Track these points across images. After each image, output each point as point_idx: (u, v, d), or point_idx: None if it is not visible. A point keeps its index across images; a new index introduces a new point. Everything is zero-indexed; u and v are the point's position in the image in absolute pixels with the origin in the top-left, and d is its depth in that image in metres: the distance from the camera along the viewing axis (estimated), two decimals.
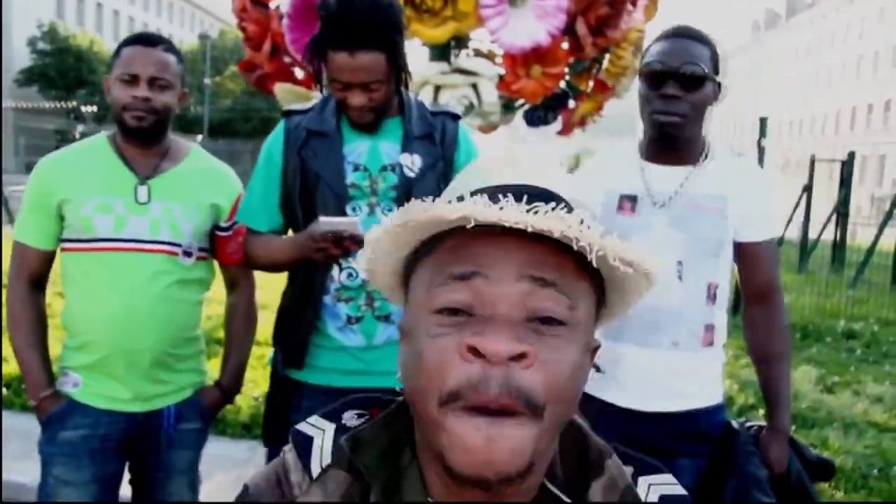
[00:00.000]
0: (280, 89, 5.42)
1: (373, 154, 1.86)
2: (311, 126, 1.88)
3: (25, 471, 2.87)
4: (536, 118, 6.21)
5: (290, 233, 1.95)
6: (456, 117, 1.97)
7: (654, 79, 1.77)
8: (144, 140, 1.93)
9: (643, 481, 0.80)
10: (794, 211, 11.91)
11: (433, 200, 0.69)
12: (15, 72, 37.02)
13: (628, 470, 0.79)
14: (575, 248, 0.67)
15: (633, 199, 1.85)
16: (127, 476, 2.08)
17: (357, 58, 1.70)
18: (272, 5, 5.07)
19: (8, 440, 3.19)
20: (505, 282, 0.67)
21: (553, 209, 0.66)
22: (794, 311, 7.18)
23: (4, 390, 3.72)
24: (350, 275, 1.84)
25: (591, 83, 5.86)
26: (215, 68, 35.35)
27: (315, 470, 0.77)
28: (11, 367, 4.02)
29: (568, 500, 0.74)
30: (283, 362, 1.96)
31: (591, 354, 0.74)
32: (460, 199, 0.68)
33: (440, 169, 1.88)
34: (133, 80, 1.88)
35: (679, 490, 0.81)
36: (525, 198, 0.67)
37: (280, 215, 1.94)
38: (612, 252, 0.68)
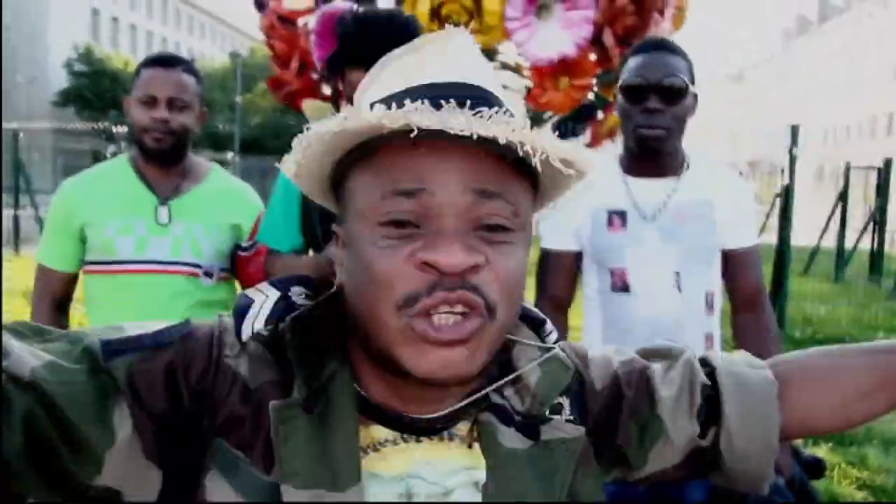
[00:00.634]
0: (308, 106, 5.45)
1: None
2: None
3: None
4: (565, 130, 6.17)
5: (311, 252, 1.94)
6: None
7: (635, 93, 1.77)
8: (164, 161, 1.93)
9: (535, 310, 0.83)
10: (828, 220, 11.69)
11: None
12: (52, 93, 37.92)
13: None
14: (520, 153, 0.66)
15: (621, 215, 1.85)
16: None
17: None
18: (300, 23, 5.12)
19: None
20: (451, 195, 0.66)
21: (496, 112, 0.65)
22: (829, 322, 7.03)
23: None
24: None
25: None
26: (246, 86, 35.86)
27: (246, 333, 0.73)
28: None
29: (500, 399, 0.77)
30: None
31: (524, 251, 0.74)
32: (395, 98, 0.67)
33: None
34: (152, 101, 1.88)
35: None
36: (468, 102, 0.64)
37: (300, 235, 1.93)
38: (554, 154, 0.67)
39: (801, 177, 7.09)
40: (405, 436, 0.74)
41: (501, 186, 0.68)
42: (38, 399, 0.62)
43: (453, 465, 0.74)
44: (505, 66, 5.52)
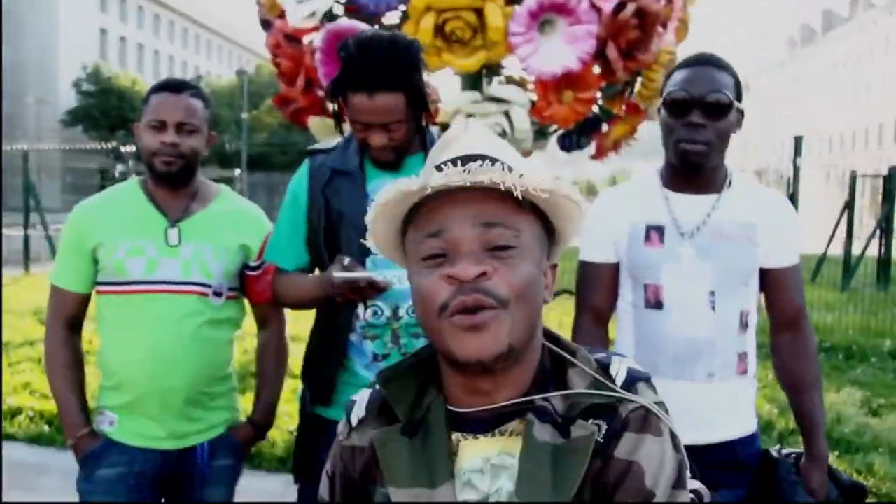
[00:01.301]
0: (314, 123, 5.51)
1: None
2: (335, 165, 1.91)
3: None
4: (570, 143, 6.21)
5: (317, 270, 1.97)
6: None
7: (679, 107, 1.76)
8: (174, 184, 1.98)
9: (615, 359, 1.02)
10: (835, 228, 11.67)
11: None
12: (61, 113, 38.23)
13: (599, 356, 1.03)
14: (503, 189, 0.91)
15: (660, 230, 1.83)
16: None
17: (376, 99, 1.72)
18: (305, 41, 5.17)
19: (51, 477, 3.27)
20: (462, 230, 0.93)
21: (481, 165, 0.91)
22: (837, 331, 7.01)
23: (46, 427, 3.80)
24: (375, 313, 1.85)
25: (623, 107, 5.85)
26: (252, 103, 36.06)
27: (354, 421, 1.05)
28: (53, 405, 4.12)
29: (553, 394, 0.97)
30: (311, 400, 1.98)
31: (550, 271, 1.02)
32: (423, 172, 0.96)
33: None
34: (161, 126, 1.93)
35: (641, 369, 1.03)
36: (459, 162, 0.92)
37: (306, 253, 1.96)
38: (530, 185, 0.92)
39: (808, 185, 7.10)
40: (484, 432, 0.98)
41: (502, 217, 0.94)
42: None
43: (497, 453, 0.97)
44: (509, 81, 5.56)
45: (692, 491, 1.63)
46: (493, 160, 0.93)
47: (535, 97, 5.17)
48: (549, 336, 1.05)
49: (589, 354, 1.01)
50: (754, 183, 1.92)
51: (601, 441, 0.93)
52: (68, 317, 2.02)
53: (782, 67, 72.00)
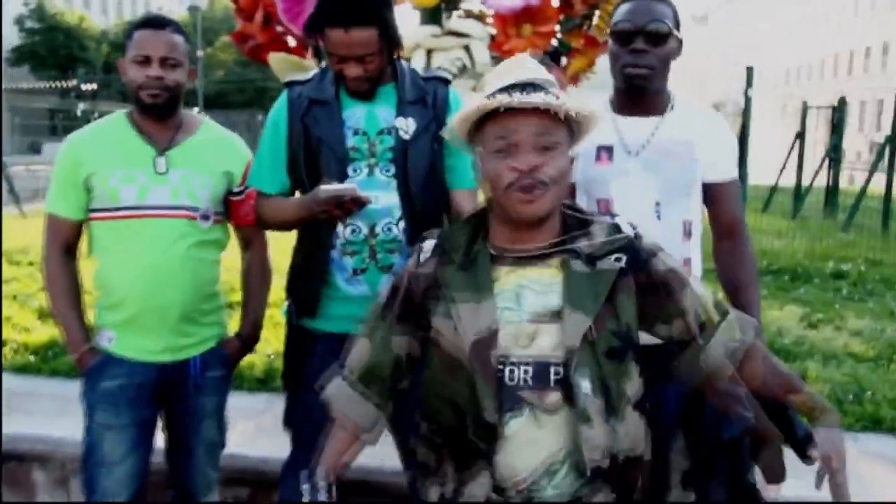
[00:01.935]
0: (274, 59, 5.51)
1: (370, 119, 2.04)
2: (312, 95, 2.06)
3: (62, 426, 3.11)
4: None
5: (297, 194, 2.14)
6: (446, 82, 2.15)
7: (624, 36, 1.95)
8: (160, 115, 2.11)
9: (618, 219, 1.56)
10: (786, 158, 12.05)
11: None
12: (5, 51, 36.80)
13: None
14: (552, 112, 1.37)
15: (609, 150, 2.02)
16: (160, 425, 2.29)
17: (351, 34, 1.87)
18: None
19: (42, 401, 3.44)
20: (523, 136, 1.38)
21: (538, 92, 1.38)
22: (784, 255, 7.38)
23: (32, 357, 3.94)
24: (354, 231, 2.02)
25: (581, 40, 5.96)
26: (206, 40, 35.12)
27: (422, 259, 1.52)
28: (37, 336, 4.25)
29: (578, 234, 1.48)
30: (297, 313, 2.16)
31: (571, 162, 1.45)
32: (493, 94, 1.39)
33: (433, 130, 2.05)
34: (146, 60, 2.05)
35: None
36: (526, 88, 1.38)
37: (287, 178, 2.12)
38: (573, 111, 1.39)
39: (764, 117, 7.34)
40: (517, 266, 1.45)
41: (548, 127, 1.39)
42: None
43: (545, 279, 1.43)
44: (468, 15, 5.62)
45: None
46: (544, 89, 1.39)
47: (494, 31, 5.25)
48: (571, 206, 1.54)
49: (603, 217, 1.55)
50: (695, 105, 2.11)
51: (624, 267, 1.43)
52: (65, 243, 2.16)
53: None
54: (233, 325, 2.38)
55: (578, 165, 2.05)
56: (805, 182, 11.89)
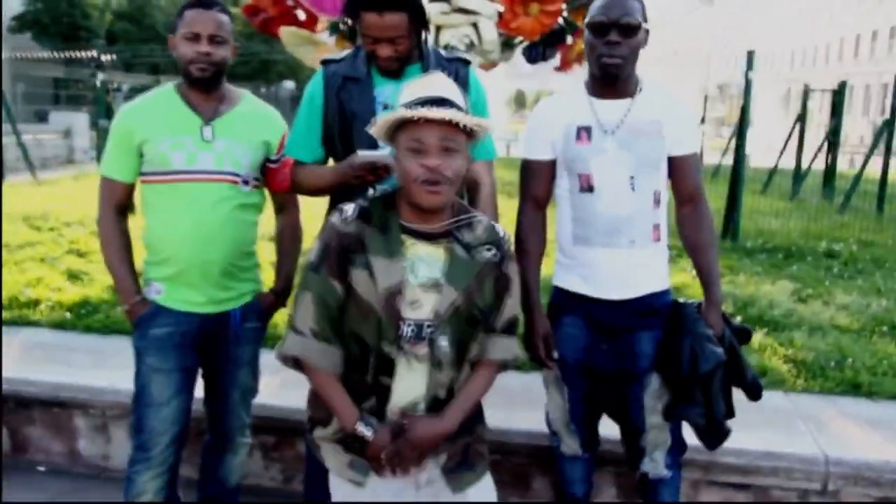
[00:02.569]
0: (285, 32, 5.66)
1: (399, 95, 2.24)
2: (346, 73, 2.27)
3: (99, 377, 3.34)
4: (535, 55, 6.46)
5: (331, 162, 2.35)
6: (467, 63, 2.36)
7: (599, 29, 2.19)
8: (206, 88, 2.32)
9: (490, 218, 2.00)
10: (786, 141, 12.21)
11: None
12: (7, 19, 36.63)
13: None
14: (454, 123, 1.69)
15: (588, 130, 2.27)
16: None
17: (385, 17, 2.08)
18: None
19: (79, 354, 3.67)
20: (432, 140, 1.70)
21: (446, 107, 1.68)
22: (780, 234, 7.60)
23: (67, 314, 4.17)
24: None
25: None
26: None
27: (348, 218, 1.81)
28: (70, 296, 4.48)
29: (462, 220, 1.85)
30: None
31: (467, 160, 1.79)
32: (410, 104, 1.71)
33: None
34: (195, 38, 2.25)
35: None
36: (437, 103, 1.69)
37: (321, 148, 2.34)
38: (472, 124, 1.72)
39: (768, 100, 7.49)
40: (416, 241, 1.80)
41: (452, 135, 1.71)
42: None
43: (433, 256, 1.80)
44: None
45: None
46: (451, 103, 1.70)
47: (502, 9, 5.41)
48: (461, 204, 1.91)
49: (483, 216, 1.93)
50: (660, 87, 2.34)
51: (497, 260, 1.84)
52: (118, 203, 2.38)
53: None
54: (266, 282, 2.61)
55: (560, 145, 2.29)
56: (805, 165, 12.07)
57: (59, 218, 6.98)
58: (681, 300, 2.39)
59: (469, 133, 1.75)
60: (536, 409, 2.64)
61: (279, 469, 3.22)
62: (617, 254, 2.27)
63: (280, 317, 3.83)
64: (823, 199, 10.94)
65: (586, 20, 2.22)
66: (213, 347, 2.45)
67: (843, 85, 11.56)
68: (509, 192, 4.16)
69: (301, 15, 5.51)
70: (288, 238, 2.59)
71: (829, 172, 11.66)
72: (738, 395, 2.36)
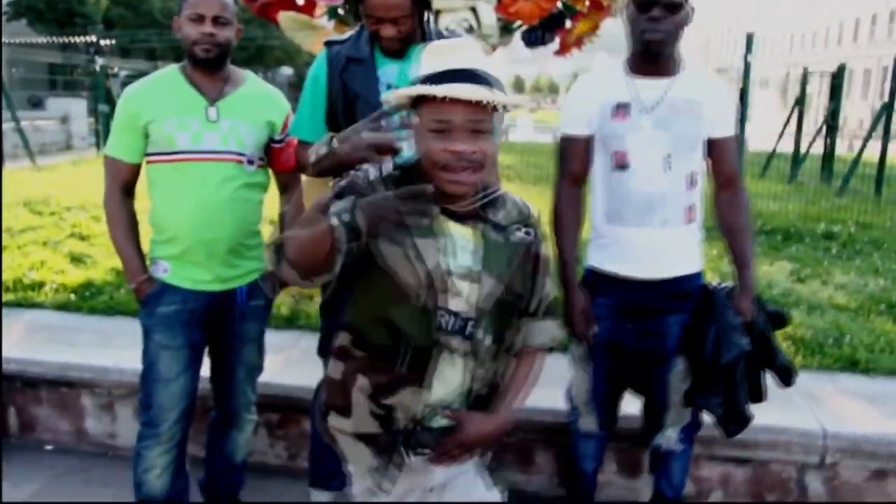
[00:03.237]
0: (284, 17, 5.66)
1: (402, 75, 2.26)
2: (350, 53, 2.29)
3: (105, 356, 3.38)
4: (534, 39, 6.45)
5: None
6: None
7: (643, 5, 2.19)
8: (211, 69, 2.34)
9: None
10: (785, 124, 12.21)
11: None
12: (4, 5, 36.41)
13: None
14: (485, 103, 1.48)
15: (625, 107, 2.27)
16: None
17: None
18: None
19: (83, 335, 3.71)
20: (459, 122, 1.50)
21: (475, 83, 1.48)
22: (779, 216, 7.62)
23: (72, 296, 4.21)
24: None
25: (586, 3, 6.11)
26: None
27: (380, 172, 1.65)
28: (73, 278, 4.51)
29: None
30: None
31: (496, 142, 1.59)
32: (434, 77, 1.51)
33: None
34: (200, 19, 2.27)
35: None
36: (466, 75, 1.48)
37: (325, 128, 2.35)
38: (504, 102, 1.51)
39: (768, 84, 7.50)
40: (450, 220, 1.62)
41: (481, 114, 1.50)
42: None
43: (464, 238, 1.61)
44: None
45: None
46: (481, 79, 1.49)
47: None
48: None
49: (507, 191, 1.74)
50: (701, 70, 2.36)
51: (531, 239, 1.68)
52: (124, 183, 2.40)
53: None
54: None
55: (596, 121, 2.30)
56: (804, 148, 12.07)
57: (59, 203, 7.00)
58: (712, 285, 2.39)
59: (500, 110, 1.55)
60: (540, 385, 2.67)
61: (284, 446, 3.26)
62: (648, 233, 2.28)
63: (284, 298, 3.95)
64: (822, 183, 10.96)
65: None
66: (219, 324, 2.48)
67: (842, 68, 11.55)
68: (508, 176, 4.18)
69: (300, 0, 5.51)
70: (292, 217, 2.62)
71: (828, 156, 11.66)
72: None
